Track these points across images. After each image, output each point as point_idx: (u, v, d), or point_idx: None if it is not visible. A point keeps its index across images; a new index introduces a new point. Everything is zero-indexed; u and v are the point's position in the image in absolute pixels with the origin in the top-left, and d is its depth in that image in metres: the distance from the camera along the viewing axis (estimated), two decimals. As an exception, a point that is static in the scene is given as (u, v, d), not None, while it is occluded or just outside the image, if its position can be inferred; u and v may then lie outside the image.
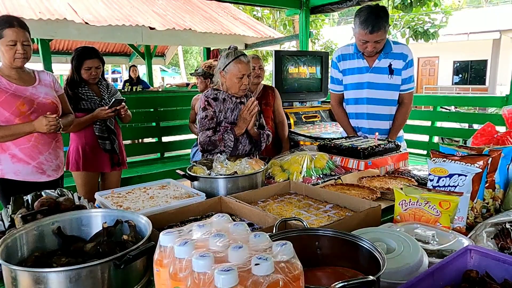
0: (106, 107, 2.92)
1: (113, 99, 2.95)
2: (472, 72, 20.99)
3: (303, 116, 4.13)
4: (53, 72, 3.56)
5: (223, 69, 2.44)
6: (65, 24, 5.73)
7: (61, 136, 2.54)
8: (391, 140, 2.50)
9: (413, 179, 2.02)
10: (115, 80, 23.66)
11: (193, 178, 1.90)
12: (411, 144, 3.38)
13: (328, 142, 2.49)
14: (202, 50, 9.71)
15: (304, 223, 1.21)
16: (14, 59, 2.23)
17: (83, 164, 2.97)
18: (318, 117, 4.26)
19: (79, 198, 1.56)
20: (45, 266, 1.08)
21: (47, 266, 1.07)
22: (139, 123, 4.83)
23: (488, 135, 1.94)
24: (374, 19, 2.43)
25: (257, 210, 1.53)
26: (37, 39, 6.57)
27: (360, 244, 1.00)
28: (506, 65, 17.58)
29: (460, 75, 21.40)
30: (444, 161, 1.51)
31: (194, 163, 2.06)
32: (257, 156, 2.57)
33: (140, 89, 8.17)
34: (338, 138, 2.71)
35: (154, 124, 4.81)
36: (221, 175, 1.89)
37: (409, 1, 8.87)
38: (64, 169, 2.70)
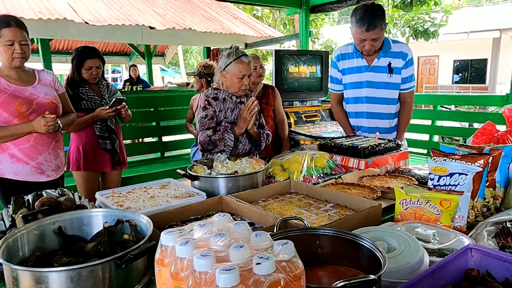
0: (107, 107, 2.92)
1: (114, 99, 2.95)
2: (472, 71, 20.98)
3: (303, 115, 4.13)
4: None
5: (224, 69, 2.44)
6: (65, 23, 5.73)
7: (61, 136, 2.54)
8: (392, 139, 2.50)
9: (413, 178, 2.02)
10: (115, 79, 23.64)
11: (193, 178, 1.90)
12: (411, 143, 3.38)
13: (329, 141, 2.49)
14: (202, 49, 9.71)
15: (305, 222, 1.21)
16: (13, 59, 2.22)
17: (84, 163, 2.97)
18: (318, 116, 4.25)
19: (80, 197, 1.56)
20: (46, 265, 1.08)
21: (48, 266, 1.07)
22: (139, 123, 4.83)
23: (488, 134, 1.94)
24: (370, 17, 2.43)
25: (258, 209, 1.53)
26: (37, 39, 6.58)
27: (361, 243, 1.00)
28: (506, 64, 17.57)
29: (460, 74, 21.39)
30: (444, 160, 1.51)
31: (195, 163, 2.06)
32: (257, 156, 2.57)
33: (141, 89, 8.17)
34: (338, 138, 2.71)
35: (154, 123, 4.81)
36: (221, 174, 1.89)
37: (409, 0, 8.86)
38: (65, 169, 2.70)
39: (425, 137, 4.62)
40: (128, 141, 5.35)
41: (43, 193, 1.53)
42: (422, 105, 6.62)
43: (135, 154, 4.67)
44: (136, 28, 6.33)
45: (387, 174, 2.16)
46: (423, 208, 1.32)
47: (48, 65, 6.58)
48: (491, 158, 1.50)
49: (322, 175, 2.14)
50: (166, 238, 0.82)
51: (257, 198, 1.77)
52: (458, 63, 21.24)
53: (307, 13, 5.14)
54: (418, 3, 8.94)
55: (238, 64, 2.39)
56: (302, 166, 2.14)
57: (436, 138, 4.82)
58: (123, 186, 1.95)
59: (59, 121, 2.32)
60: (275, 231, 1.14)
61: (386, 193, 1.82)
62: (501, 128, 2.05)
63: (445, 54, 20.75)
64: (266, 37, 7.63)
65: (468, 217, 1.40)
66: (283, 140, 3.64)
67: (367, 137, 2.63)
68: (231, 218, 0.92)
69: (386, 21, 2.62)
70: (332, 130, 3.90)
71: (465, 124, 5.74)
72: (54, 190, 1.59)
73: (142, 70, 11.27)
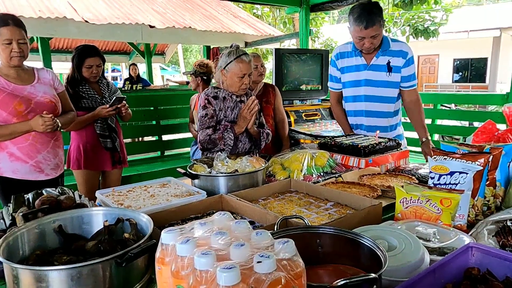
0: (107, 105, 2.92)
1: (114, 97, 2.95)
2: (472, 70, 20.97)
3: (303, 114, 4.13)
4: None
5: (224, 68, 2.44)
6: (64, 22, 5.73)
7: (61, 135, 2.53)
8: (392, 138, 2.50)
9: (414, 177, 2.02)
10: (115, 78, 23.60)
11: (193, 176, 1.90)
12: (411, 142, 3.37)
13: (329, 140, 2.49)
14: (202, 48, 9.71)
15: (305, 221, 1.21)
16: (11, 58, 2.21)
17: (84, 162, 2.97)
18: (319, 115, 4.25)
19: (80, 196, 1.56)
20: (46, 264, 1.08)
21: (49, 265, 1.07)
22: (139, 122, 4.83)
23: (489, 132, 1.94)
24: (367, 15, 2.44)
25: (258, 208, 1.53)
26: (37, 38, 6.57)
27: (362, 242, 1.00)
28: (506, 63, 17.58)
29: (460, 73, 21.38)
30: (445, 159, 1.50)
31: (195, 161, 2.06)
32: (257, 154, 2.57)
33: (141, 87, 8.16)
34: (338, 136, 2.71)
35: (154, 122, 4.80)
36: (222, 173, 1.89)
37: (409, -1, 8.85)
38: (65, 168, 2.69)
39: (425, 136, 4.61)
40: (128, 140, 5.35)
41: (43, 191, 1.53)
42: (422, 104, 6.61)
43: (135, 153, 4.67)
44: (136, 27, 6.32)
45: (387, 173, 2.16)
46: (423, 206, 1.32)
47: (48, 64, 6.58)
48: (491, 157, 1.50)
49: (322, 174, 2.14)
50: (167, 236, 0.82)
51: (257, 197, 1.77)
52: (458, 62, 21.23)
53: (307, 12, 5.14)
54: (418, 1, 8.91)
55: (239, 63, 2.39)
56: (302, 165, 2.14)
57: (436, 137, 4.82)
58: (123, 185, 1.95)
59: (57, 121, 2.31)
60: (275, 229, 1.14)
61: (387, 192, 1.82)
62: (501, 127, 2.05)
63: (445, 53, 20.74)
64: (266, 35, 7.63)
65: (468, 215, 1.40)
66: (283, 139, 3.64)
67: (367, 135, 2.63)
68: (232, 216, 0.92)
69: (386, 19, 2.61)
70: (332, 129, 3.90)
71: (465, 123, 5.74)
72: (54, 188, 1.59)
73: (142, 69, 11.26)
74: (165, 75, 23.40)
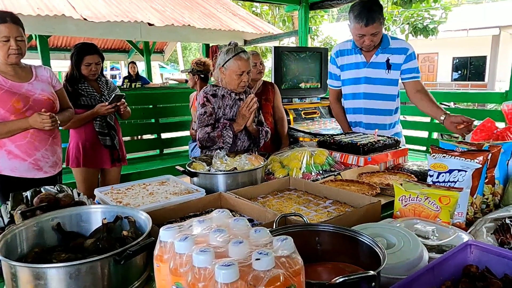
0: (106, 103, 2.92)
1: (113, 95, 2.95)
2: (471, 68, 20.97)
3: (302, 112, 4.13)
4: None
5: (222, 65, 2.43)
6: (63, 20, 5.70)
7: (59, 133, 2.53)
8: (391, 136, 2.50)
9: (412, 175, 2.02)
10: (114, 76, 23.59)
11: (192, 174, 1.89)
12: (410, 140, 3.38)
13: (328, 138, 2.49)
14: (201, 46, 9.69)
15: (304, 218, 1.21)
16: (8, 56, 2.21)
17: (83, 160, 2.97)
18: (318, 113, 4.25)
19: (79, 194, 1.56)
20: (45, 262, 1.08)
21: (47, 262, 1.07)
22: (138, 120, 4.82)
23: (487, 130, 1.94)
24: (368, 12, 2.44)
25: (257, 206, 1.53)
26: (36, 35, 6.55)
27: (360, 239, 1.00)
28: (505, 61, 17.56)
29: (460, 71, 21.39)
30: (444, 156, 1.50)
31: (194, 159, 2.06)
32: (256, 152, 2.57)
33: (140, 85, 8.15)
34: (337, 134, 2.71)
35: (153, 120, 4.80)
36: (220, 171, 1.88)
37: (408, -3, 8.84)
38: (64, 166, 2.69)
39: (424, 134, 4.62)
40: (127, 138, 5.34)
41: (42, 189, 1.53)
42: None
43: (134, 151, 4.67)
44: (135, 25, 6.30)
45: (386, 171, 2.16)
46: (422, 204, 1.32)
47: (46, 62, 6.56)
48: (490, 154, 1.49)
49: (321, 171, 2.14)
50: (165, 234, 0.82)
51: (256, 195, 1.77)
52: (457, 60, 21.23)
53: (306, 10, 5.13)
54: (418, 0, 8.92)
55: (237, 61, 2.38)
56: (301, 163, 2.13)
57: (435, 135, 4.82)
58: (122, 182, 1.95)
59: (57, 118, 2.31)
60: (274, 227, 1.14)
61: (385, 190, 1.83)
62: (500, 125, 2.05)
63: (444, 51, 20.75)
64: (265, 34, 7.61)
65: (467, 213, 1.40)
66: (282, 137, 3.64)
67: (366, 134, 2.63)
68: (230, 214, 0.92)
69: (385, 17, 2.61)
70: (331, 127, 3.90)
71: (464, 121, 5.73)
72: (52, 186, 1.58)
73: (141, 67, 11.26)
74: (164, 73, 23.39)
